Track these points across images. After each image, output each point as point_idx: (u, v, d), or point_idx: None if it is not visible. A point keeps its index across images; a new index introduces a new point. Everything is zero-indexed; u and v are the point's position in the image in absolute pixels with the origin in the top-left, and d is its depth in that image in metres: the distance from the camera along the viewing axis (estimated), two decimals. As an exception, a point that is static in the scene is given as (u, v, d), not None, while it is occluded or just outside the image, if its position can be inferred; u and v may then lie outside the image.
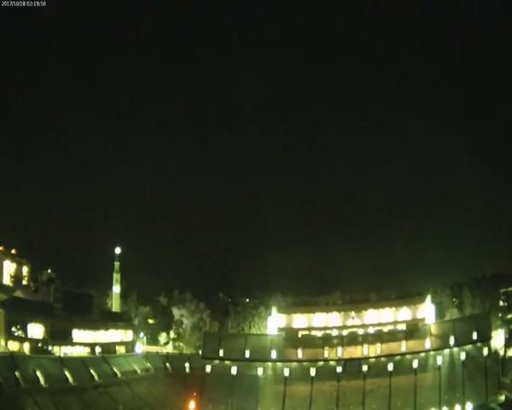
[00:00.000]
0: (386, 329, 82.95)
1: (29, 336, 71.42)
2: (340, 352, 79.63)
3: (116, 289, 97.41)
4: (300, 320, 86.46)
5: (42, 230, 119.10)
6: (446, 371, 74.22)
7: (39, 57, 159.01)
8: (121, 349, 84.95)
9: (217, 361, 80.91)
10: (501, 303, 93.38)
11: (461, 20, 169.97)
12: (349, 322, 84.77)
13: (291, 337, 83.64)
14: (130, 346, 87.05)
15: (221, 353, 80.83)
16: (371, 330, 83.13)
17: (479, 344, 74.21)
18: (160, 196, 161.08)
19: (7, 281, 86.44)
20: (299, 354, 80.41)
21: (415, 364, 75.47)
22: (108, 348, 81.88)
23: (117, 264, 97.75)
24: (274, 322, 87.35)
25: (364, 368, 76.86)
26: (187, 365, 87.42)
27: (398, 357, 77.45)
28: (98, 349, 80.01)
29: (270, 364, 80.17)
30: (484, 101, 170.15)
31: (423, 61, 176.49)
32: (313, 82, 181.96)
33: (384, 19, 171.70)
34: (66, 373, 67.34)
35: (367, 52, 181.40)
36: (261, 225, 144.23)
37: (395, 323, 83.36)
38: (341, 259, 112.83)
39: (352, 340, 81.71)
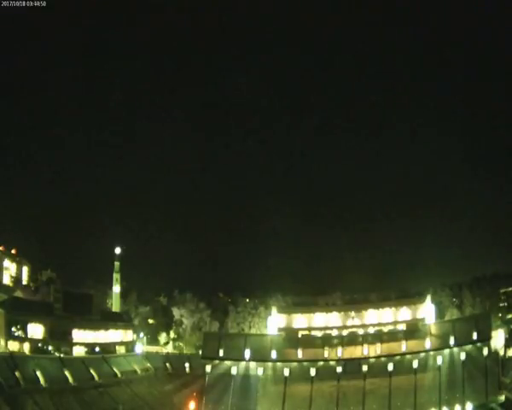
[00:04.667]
0: (386, 329, 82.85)
1: (29, 336, 71.48)
2: (340, 352, 79.45)
3: (116, 289, 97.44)
4: (300, 320, 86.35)
5: (42, 230, 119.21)
6: (446, 371, 74.06)
7: (39, 57, 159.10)
8: (121, 349, 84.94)
9: (217, 361, 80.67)
10: (501, 303, 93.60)
11: (461, 19, 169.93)
12: (349, 322, 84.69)
13: (291, 337, 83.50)
14: (130, 346, 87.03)
15: (221, 353, 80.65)
16: (371, 330, 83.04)
17: (479, 344, 74.04)
18: (160, 196, 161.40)
19: (7, 281, 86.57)
20: (299, 354, 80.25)
21: (415, 364, 75.29)
22: (108, 348, 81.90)
23: (117, 264, 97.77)
24: (274, 322, 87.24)
25: (364, 368, 76.69)
26: (187, 365, 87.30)
27: (398, 357, 77.23)
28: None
29: (270, 364, 79.96)
30: (484, 100, 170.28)
31: (423, 60, 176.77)
32: (313, 82, 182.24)
33: (384, 18, 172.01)
34: (67, 373, 67.27)
35: (367, 52, 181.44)
36: (261, 225, 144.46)
37: (395, 323, 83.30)
38: (341, 259, 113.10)
39: (352, 340, 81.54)
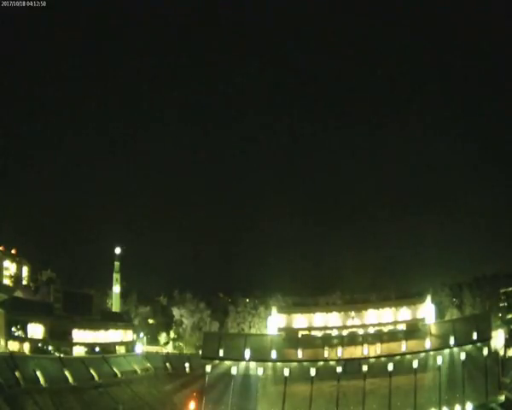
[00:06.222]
0: (386, 329, 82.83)
1: (29, 336, 71.52)
2: (340, 352, 79.43)
3: (116, 289, 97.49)
4: (300, 320, 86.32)
5: (42, 230, 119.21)
6: (446, 371, 74.01)
7: (39, 57, 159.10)
8: (121, 349, 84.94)
9: (217, 361, 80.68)
10: (501, 303, 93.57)
11: (462, 19, 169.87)
12: (349, 322, 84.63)
13: (291, 337, 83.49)
14: (130, 346, 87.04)
15: (221, 353, 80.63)
16: (371, 330, 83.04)
17: (479, 344, 74.05)
18: (160, 196, 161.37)
19: (7, 281, 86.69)
20: (299, 354, 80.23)
21: (415, 364, 75.25)
22: (108, 348, 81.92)
23: (117, 264, 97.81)
24: (274, 322, 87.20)
25: (364, 368, 76.67)
26: (187, 365, 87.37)
27: (398, 357, 77.20)
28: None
29: (270, 364, 79.93)
30: (484, 101, 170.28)
31: (424, 60, 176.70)
32: (313, 82, 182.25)
33: (385, 16, 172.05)
34: (67, 373, 67.30)
35: (368, 50, 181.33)
36: (261, 225, 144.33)
37: (395, 323, 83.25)
38: (341, 259, 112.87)
39: (352, 340, 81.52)
